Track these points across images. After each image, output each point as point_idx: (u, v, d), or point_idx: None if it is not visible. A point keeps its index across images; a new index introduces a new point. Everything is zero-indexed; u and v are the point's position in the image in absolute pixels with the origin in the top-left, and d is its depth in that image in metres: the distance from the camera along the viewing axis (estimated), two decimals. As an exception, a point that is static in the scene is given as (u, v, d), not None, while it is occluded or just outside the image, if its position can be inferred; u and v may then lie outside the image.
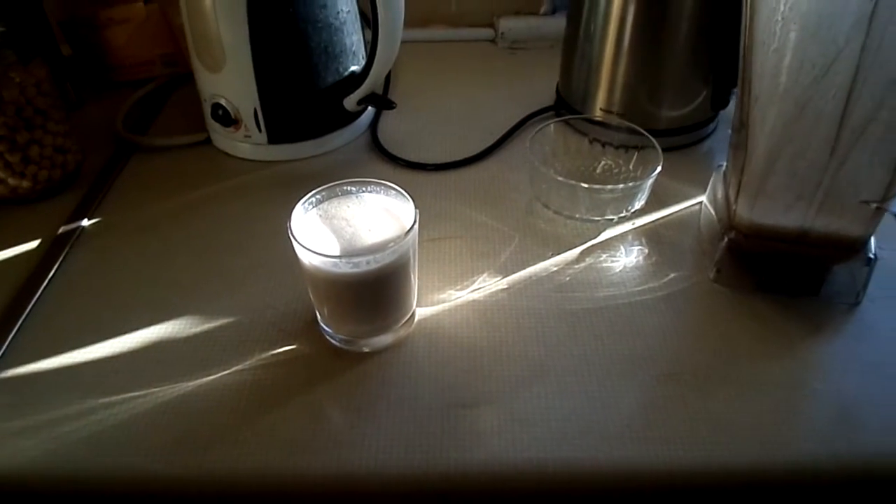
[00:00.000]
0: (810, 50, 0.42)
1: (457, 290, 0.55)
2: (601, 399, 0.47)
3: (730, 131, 0.57)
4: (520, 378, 0.48)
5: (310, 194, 0.48)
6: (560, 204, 0.60)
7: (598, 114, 0.71)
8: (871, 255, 0.51)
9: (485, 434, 0.44)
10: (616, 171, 0.65)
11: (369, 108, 0.76)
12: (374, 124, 0.77)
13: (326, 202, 0.49)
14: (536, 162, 0.60)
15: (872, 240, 0.52)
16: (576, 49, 0.72)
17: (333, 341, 0.50)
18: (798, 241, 0.52)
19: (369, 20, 0.65)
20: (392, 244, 0.44)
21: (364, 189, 0.50)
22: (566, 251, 0.59)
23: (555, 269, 0.57)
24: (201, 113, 0.72)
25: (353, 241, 0.46)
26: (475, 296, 0.54)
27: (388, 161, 0.71)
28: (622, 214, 0.60)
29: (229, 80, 0.67)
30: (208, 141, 0.74)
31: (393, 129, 0.77)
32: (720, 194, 0.57)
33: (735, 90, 0.57)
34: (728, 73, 0.67)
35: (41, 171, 0.64)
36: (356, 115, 0.74)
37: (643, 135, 0.62)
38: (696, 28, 0.64)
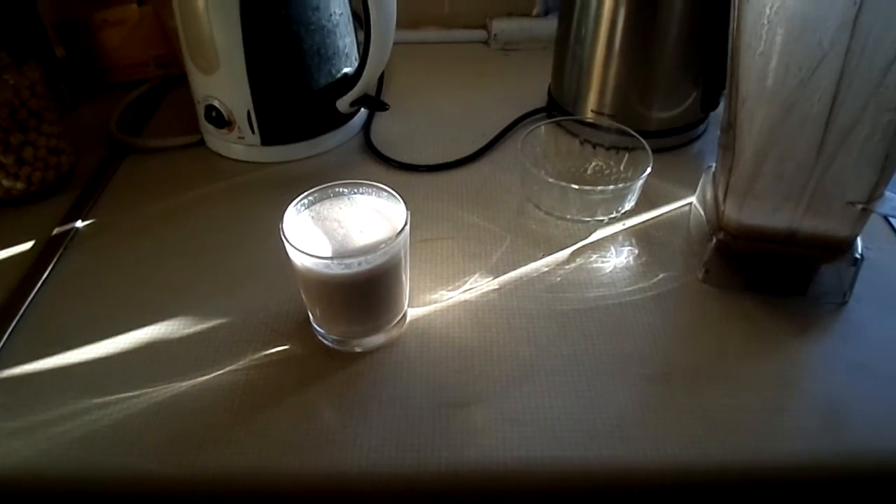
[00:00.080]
0: (796, 53, 0.43)
1: (448, 290, 0.55)
2: (591, 398, 0.47)
3: (719, 132, 0.57)
4: (510, 378, 0.48)
5: (302, 196, 0.48)
6: (551, 205, 0.61)
7: (589, 115, 0.72)
8: (858, 256, 0.52)
9: (475, 433, 0.45)
10: (607, 172, 0.66)
11: (362, 109, 0.76)
12: (367, 126, 0.77)
13: (318, 204, 0.49)
14: (527, 163, 0.60)
15: (859, 240, 0.53)
16: (567, 51, 0.72)
17: (326, 342, 0.51)
18: (786, 242, 0.53)
19: (362, 21, 0.66)
20: (383, 245, 0.45)
21: (356, 191, 0.50)
22: (557, 252, 0.59)
23: (545, 269, 0.57)
24: (195, 114, 0.73)
25: (344, 243, 0.46)
26: (467, 296, 0.55)
27: (381, 162, 0.71)
28: (612, 215, 0.60)
29: (222, 81, 0.67)
30: (202, 142, 0.74)
31: (386, 130, 0.77)
32: (709, 195, 0.58)
33: (725, 92, 0.58)
34: (718, 75, 0.68)
35: (35, 172, 0.64)
36: (349, 116, 0.74)
37: (633, 136, 0.62)
38: (686, 30, 0.65)
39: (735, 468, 0.44)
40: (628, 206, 0.60)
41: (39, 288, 0.56)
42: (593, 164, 0.66)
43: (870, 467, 0.45)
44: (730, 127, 0.51)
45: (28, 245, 0.61)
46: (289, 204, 0.47)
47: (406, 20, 0.85)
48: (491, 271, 0.57)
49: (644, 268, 0.58)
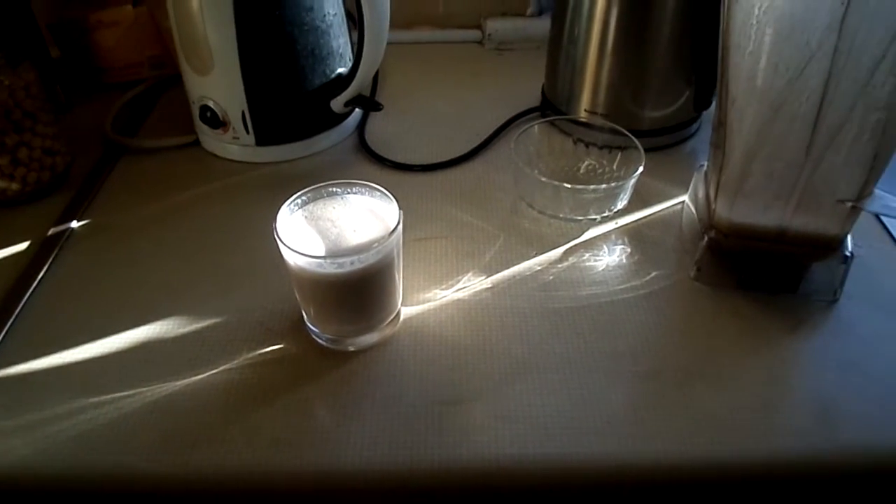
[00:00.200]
0: (784, 53, 0.43)
1: (442, 289, 0.56)
2: (583, 396, 0.47)
3: (711, 131, 0.57)
4: (503, 375, 0.49)
5: (295, 196, 0.48)
6: (544, 204, 0.61)
7: (582, 114, 0.72)
8: (848, 253, 0.52)
9: (469, 431, 0.45)
10: (600, 171, 0.66)
11: (356, 109, 0.77)
12: (361, 126, 0.78)
13: (312, 203, 0.49)
14: (521, 162, 0.61)
15: (849, 238, 0.53)
16: (560, 50, 0.72)
17: (320, 340, 0.51)
18: (776, 240, 0.53)
19: (356, 21, 0.66)
20: (376, 245, 0.45)
21: (349, 190, 0.50)
22: (550, 250, 0.60)
23: (538, 268, 0.58)
24: (190, 115, 0.73)
25: (338, 242, 0.46)
26: (460, 295, 0.55)
27: (375, 162, 0.72)
28: (605, 214, 0.61)
29: (217, 82, 0.67)
30: (197, 143, 0.75)
31: (380, 130, 0.77)
32: (701, 194, 0.58)
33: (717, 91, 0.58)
34: (710, 74, 0.67)
35: (30, 173, 0.64)
36: (343, 116, 0.74)
37: (626, 135, 0.63)
38: (679, 30, 0.65)
39: (726, 465, 0.44)
40: (621, 204, 0.61)
41: (35, 288, 0.56)
42: (586, 163, 0.67)
43: (860, 464, 0.45)
44: (720, 126, 0.51)
45: (23, 246, 0.61)
46: (283, 204, 0.48)
47: (400, 20, 0.85)
48: (484, 270, 0.57)
49: (636, 266, 0.58)
